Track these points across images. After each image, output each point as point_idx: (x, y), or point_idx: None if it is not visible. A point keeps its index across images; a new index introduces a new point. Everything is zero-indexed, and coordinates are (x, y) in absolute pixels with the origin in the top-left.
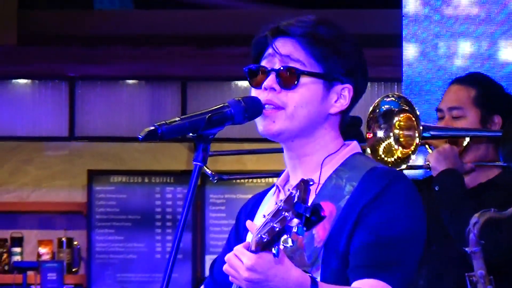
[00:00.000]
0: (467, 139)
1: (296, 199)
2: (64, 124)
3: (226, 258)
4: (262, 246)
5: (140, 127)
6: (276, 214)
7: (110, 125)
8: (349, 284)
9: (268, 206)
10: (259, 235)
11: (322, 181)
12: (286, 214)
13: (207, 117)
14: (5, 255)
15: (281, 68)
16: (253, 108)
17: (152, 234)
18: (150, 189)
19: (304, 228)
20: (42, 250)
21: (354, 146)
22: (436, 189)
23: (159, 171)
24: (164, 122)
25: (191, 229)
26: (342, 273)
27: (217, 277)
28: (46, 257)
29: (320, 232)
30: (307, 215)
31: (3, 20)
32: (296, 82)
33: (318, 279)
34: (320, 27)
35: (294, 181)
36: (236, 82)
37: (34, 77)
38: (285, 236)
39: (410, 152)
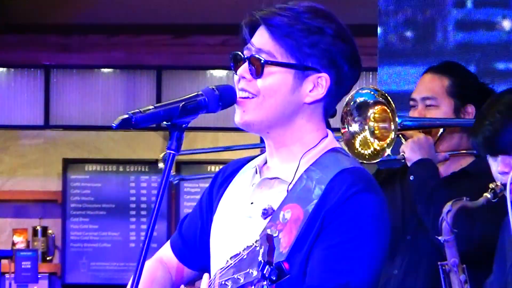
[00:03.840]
0: (441, 129)
1: (260, 257)
2: (39, 112)
3: None
4: None
5: (115, 116)
6: (240, 264)
7: (85, 114)
8: None
9: (244, 178)
10: (223, 281)
11: (296, 179)
12: (251, 271)
13: (181, 105)
14: None
15: (250, 57)
16: (227, 96)
17: (127, 223)
18: (124, 178)
19: (270, 285)
20: (17, 238)
21: (330, 141)
22: (411, 179)
23: (134, 160)
24: (138, 110)
25: (165, 218)
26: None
27: (185, 234)
28: (20, 246)
29: (286, 237)
30: (273, 278)
31: None
32: (261, 72)
33: None
34: (302, 14)
35: (271, 164)
36: (212, 71)
37: (10, 65)
38: None
39: (386, 145)
